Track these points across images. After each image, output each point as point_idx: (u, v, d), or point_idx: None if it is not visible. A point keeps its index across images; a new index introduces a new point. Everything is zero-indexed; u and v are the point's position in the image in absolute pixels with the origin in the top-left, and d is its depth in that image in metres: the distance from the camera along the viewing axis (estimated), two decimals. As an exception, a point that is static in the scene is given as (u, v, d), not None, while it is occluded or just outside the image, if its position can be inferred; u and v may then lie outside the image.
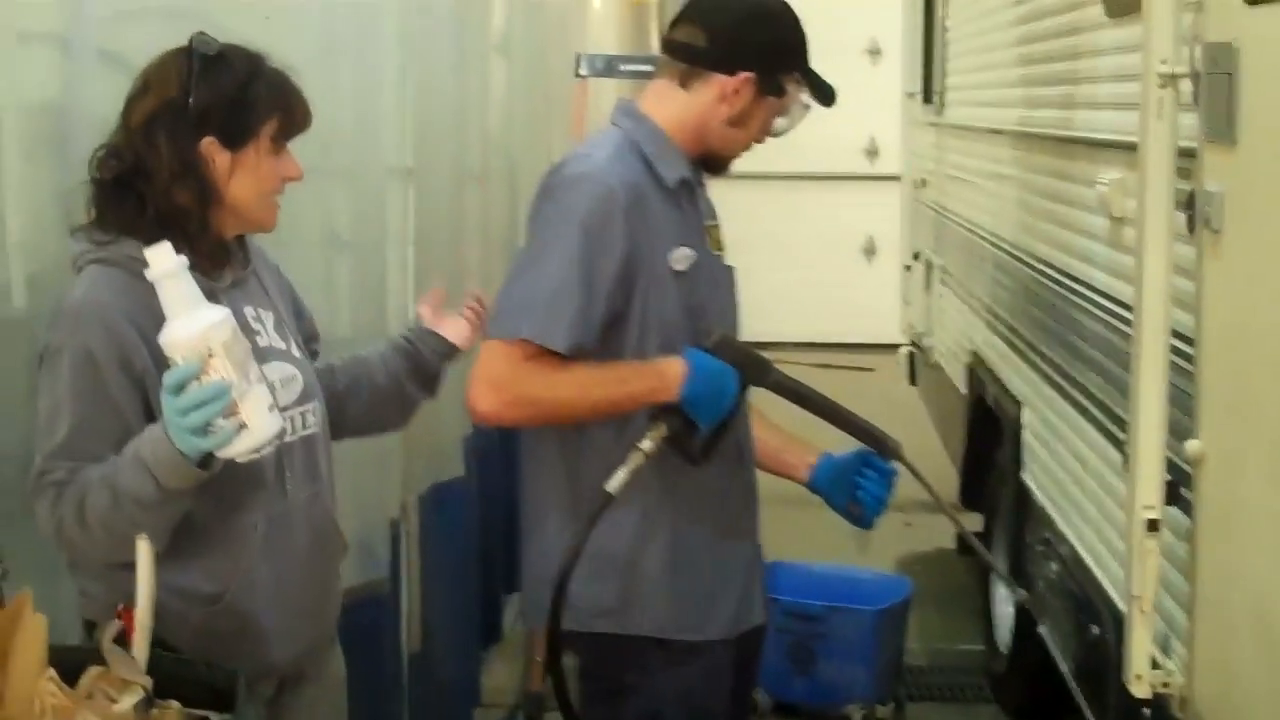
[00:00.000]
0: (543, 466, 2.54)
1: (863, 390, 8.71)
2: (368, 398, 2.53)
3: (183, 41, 2.15)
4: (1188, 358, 2.58)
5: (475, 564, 4.21)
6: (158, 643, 2.07)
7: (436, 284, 3.78)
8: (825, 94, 2.57)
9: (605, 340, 2.41)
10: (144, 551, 1.96)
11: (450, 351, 2.59)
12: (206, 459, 1.98)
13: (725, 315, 2.58)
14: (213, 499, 2.11)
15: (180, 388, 1.92)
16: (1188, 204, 2.54)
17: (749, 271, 10.57)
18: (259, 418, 1.96)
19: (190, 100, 2.10)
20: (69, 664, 1.92)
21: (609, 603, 2.47)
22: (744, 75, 2.48)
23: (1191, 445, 2.51)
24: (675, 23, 2.57)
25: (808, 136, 11.02)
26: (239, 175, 2.15)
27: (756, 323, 11.33)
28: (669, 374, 2.38)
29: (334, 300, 3.17)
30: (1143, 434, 2.61)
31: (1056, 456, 3.75)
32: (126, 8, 2.57)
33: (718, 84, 2.49)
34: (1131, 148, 2.71)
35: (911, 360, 6.64)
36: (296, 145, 2.88)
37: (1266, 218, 2.28)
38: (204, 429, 1.93)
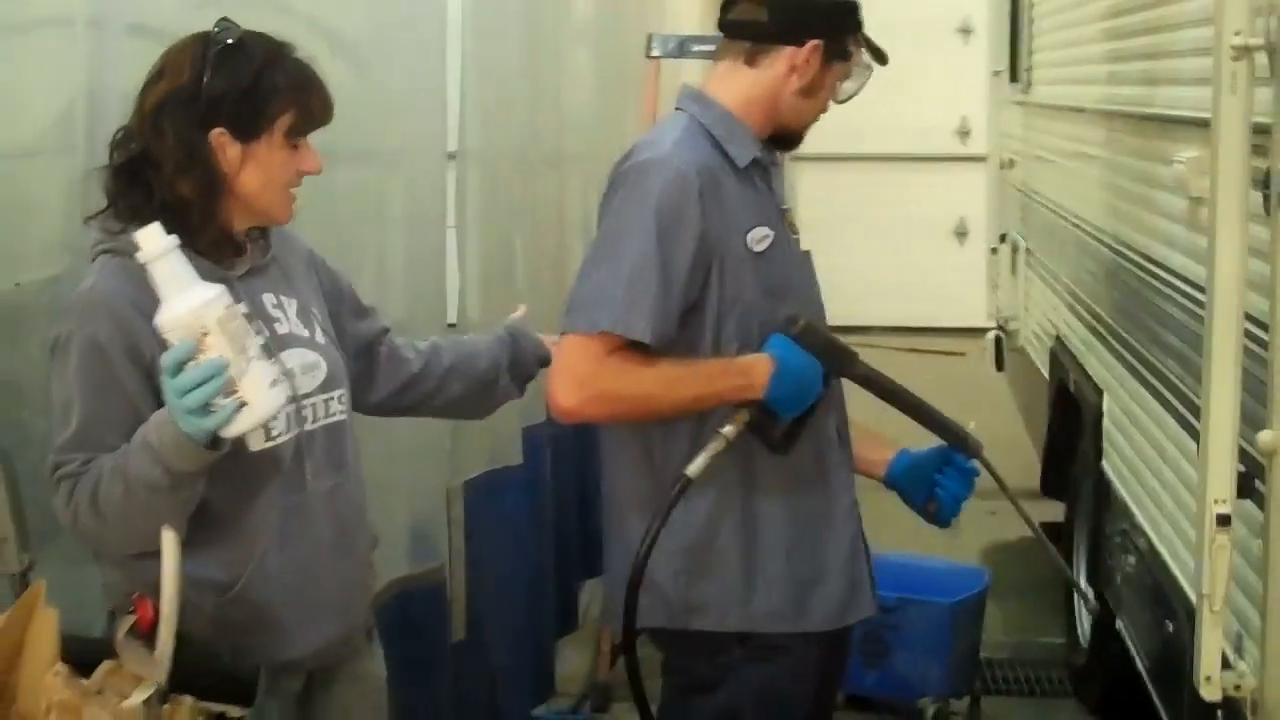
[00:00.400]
0: (623, 461, 2.51)
1: (951, 375, 8.65)
2: (467, 381, 2.55)
3: (250, 24, 2.12)
4: (1264, 344, 2.47)
5: (544, 552, 4.16)
6: (179, 634, 2.04)
7: (496, 268, 3.78)
8: (881, 54, 2.55)
9: (683, 325, 2.38)
10: (169, 542, 1.93)
11: (546, 357, 2.60)
12: (215, 440, 1.94)
13: (807, 297, 2.53)
14: (226, 486, 2.08)
15: (178, 368, 1.89)
16: (1264, 183, 2.42)
17: (838, 254, 10.53)
18: (259, 394, 1.92)
19: (202, 89, 2.06)
20: (91, 656, 1.90)
21: (693, 597, 2.43)
22: (812, 43, 2.45)
23: (1265, 436, 2.39)
24: (729, 3, 2.53)
25: (899, 117, 10.99)
26: (250, 167, 2.10)
27: (845, 306, 11.23)
28: (755, 372, 2.35)
29: (385, 282, 3.12)
30: (1214, 424, 2.50)
31: (1135, 446, 3.63)
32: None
33: (786, 56, 2.46)
34: (1208, 124, 2.59)
35: (998, 345, 6.50)
36: (345, 126, 2.90)
37: (1343, 197, 2.16)
38: (204, 409, 1.89)
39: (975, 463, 2.56)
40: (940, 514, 2.57)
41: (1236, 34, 2.41)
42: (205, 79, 2.06)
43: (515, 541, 3.82)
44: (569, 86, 4.52)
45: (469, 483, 3.53)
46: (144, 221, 2.03)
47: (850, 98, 2.55)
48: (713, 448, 2.32)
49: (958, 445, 2.53)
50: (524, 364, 2.62)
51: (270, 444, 2.10)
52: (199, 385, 1.88)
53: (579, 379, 2.33)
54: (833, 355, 2.39)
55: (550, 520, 4.19)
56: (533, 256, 4.12)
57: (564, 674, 4.50)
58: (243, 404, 1.90)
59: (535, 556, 4.04)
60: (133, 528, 1.99)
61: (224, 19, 2.13)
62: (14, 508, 2.11)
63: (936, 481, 2.55)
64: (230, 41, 2.09)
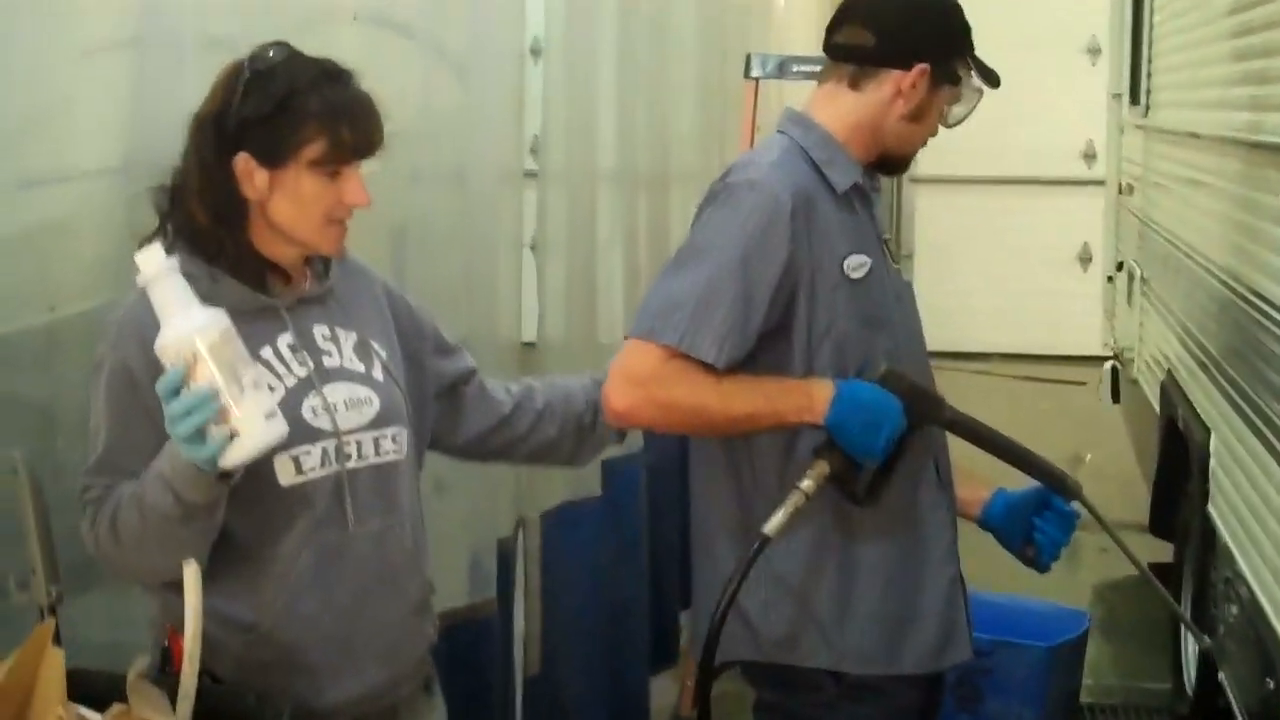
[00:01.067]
0: (710, 489, 2.46)
1: (1071, 405, 8.46)
2: (561, 423, 2.47)
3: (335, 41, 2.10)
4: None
5: (633, 584, 4.08)
6: (205, 672, 1.99)
7: (578, 289, 3.73)
8: (992, 76, 2.47)
9: (770, 351, 2.33)
10: (191, 576, 1.87)
11: None
12: (226, 471, 1.89)
13: (907, 329, 2.47)
14: (254, 520, 2.03)
15: (173, 394, 1.84)
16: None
17: (958, 278, 10.33)
18: (252, 425, 1.85)
19: (230, 114, 2.01)
20: (116, 694, 1.87)
21: (782, 631, 2.38)
22: (920, 67, 2.40)
23: (1364, 490, 2.24)
24: (834, 25, 2.48)
25: (1023, 139, 10.75)
26: (278, 195, 2.03)
27: (963, 331, 11.11)
28: (817, 394, 2.28)
29: (457, 298, 3.07)
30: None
31: (1240, 490, 3.46)
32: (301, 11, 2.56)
33: (892, 80, 2.40)
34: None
35: (1114, 376, 6.30)
36: (421, 145, 2.85)
37: None
38: (197, 437, 1.83)
39: (1076, 504, 2.46)
40: (1039, 559, 2.50)
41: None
42: (236, 102, 2.01)
43: (594, 573, 3.75)
44: (670, 107, 4.46)
45: (545, 514, 3.47)
46: (183, 244, 2.01)
47: (960, 122, 2.49)
48: (792, 503, 2.25)
49: (1056, 488, 2.46)
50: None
51: (302, 478, 2.05)
52: (189, 413, 1.82)
53: (634, 380, 2.28)
54: (917, 401, 2.31)
55: (644, 551, 4.12)
56: (627, 277, 4.06)
57: (660, 706, 4.41)
58: (234, 434, 1.84)
59: (619, 588, 3.97)
60: (149, 557, 1.95)
61: (278, 42, 2.07)
62: (43, 540, 2.08)
63: (1035, 525, 2.48)
64: (265, 66, 2.03)
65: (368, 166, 2.09)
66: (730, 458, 2.41)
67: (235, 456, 1.86)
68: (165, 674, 1.99)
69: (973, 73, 2.45)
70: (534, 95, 3.44)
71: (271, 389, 2.03)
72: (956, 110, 2.46)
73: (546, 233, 3.55)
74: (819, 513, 2.32)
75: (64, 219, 2.27)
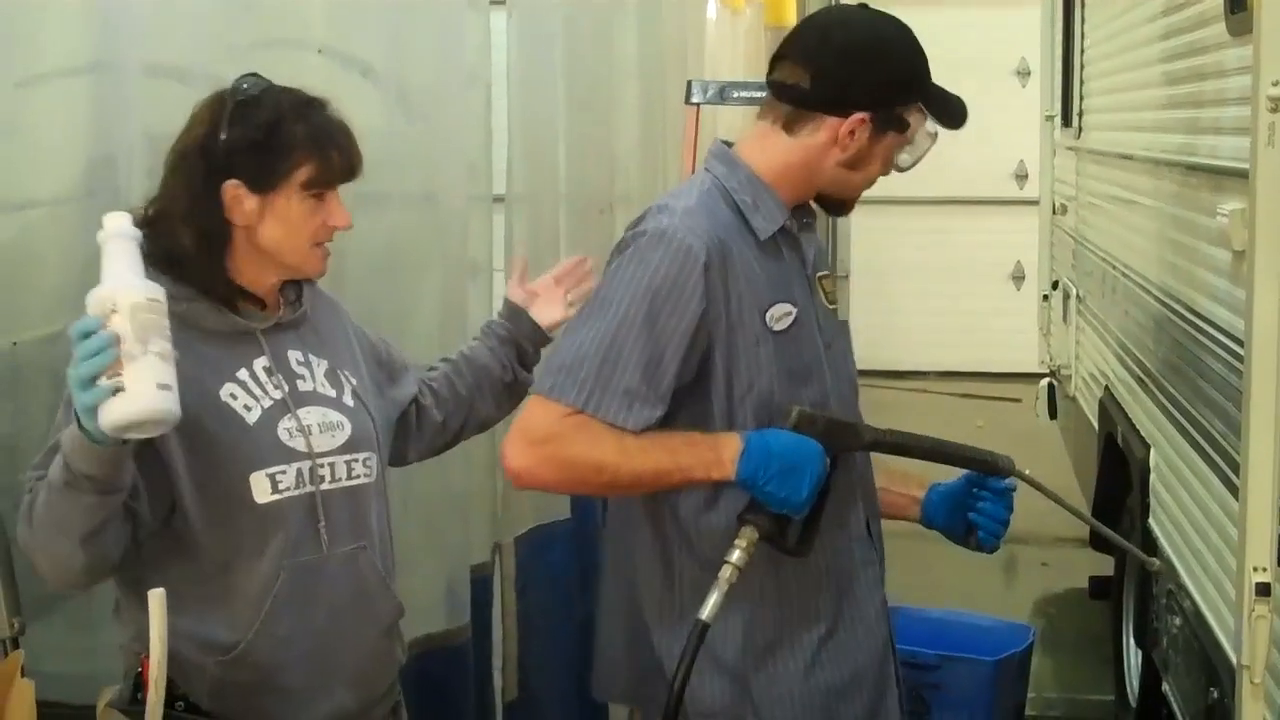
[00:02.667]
0: (636, 546, 2.34)
1: (1006, 422, 8.57)
2: (490, 393, 2.56)
3: (310, 75, 2.16)
4: (1306, 405, 2.38)
5: (596, 606, 4.08)
6: (180, 697, 2.00)
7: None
8: (953, 116, 2.29)
9: (688, 410, 2.20)
10: (156, 603, 1.87)
11: (543, 338, 2.61)
12: (120, 441, 1.88)
13: (838, 376, 2.35)
14: (230, 540, 2.05)
15: (83, 338, 1.84)
16: (1305, 238, 2.34)
17: (893, 298, 10.42)
18: (141, 386, 1.82)
19: (217, 142, 2.06)
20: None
21: (715, 704, 2.27)
22: (858, 116, 2.23)
23: (1305, 502, 2.31)
24: (775, 59, 2.31)
25: (955, 161, 10.88)
26: (269, 220, 2.09)
27: (899, 351, 11.22)
28: (725, 449, 2.16)
29: (430, 325, 3.10)
30: (1253, 486, 2.41)
31: (1180, 503, 3.53)
32: (257, 40, 2.58)
33: (828, 127, 2.24)
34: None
35: (1051, 392, 6.39)
36: (391, 170, 2.88)
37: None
38: (90, 382, 1.82)
39: (1012, 480, 2.38)
40: (984, 541, 2.40)
41: (1275, 84, 2.34)
42: (223, 131, 2.06)
43: (565, 596, 3.77)
44: (615, 131, 4.49)
45: (518, 539, 3.49)
46: (164, 272, 2.04)
47: (910, 168, 2.32)
48: (725, 580, 2.14)
49: (989, 470, 2.36)
50: (526, 353, 2.62)
51: (277, 497, 2.07)
52: (88, 356, 1.82)
53: (532, 439, 2.14)
54: (835, 435, 2.21)
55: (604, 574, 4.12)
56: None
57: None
58: (119, 390, 1.82)
59: (587, 610, 3.98)
60: (44, 538, 1.95)
61: (251, 74, 2.13)
62: (4, 571, 2.07)
63: (972, 508, 2.39)
64: (248, 96, 2.08)
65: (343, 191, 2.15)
66: (651, 509, 2.30)
67: (115, 413, 1.82)
68: (137, 701, 2.01)
69: (926, 118, 2.28)
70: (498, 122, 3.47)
71: (248, 409, 2.07)
72: (904, 157, 2.30)
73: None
74: (750, 585, 2.20)
75: (22, 247, 2.28)
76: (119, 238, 1.89)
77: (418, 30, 3.00)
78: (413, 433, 2.46)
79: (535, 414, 2.16)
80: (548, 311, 2.64)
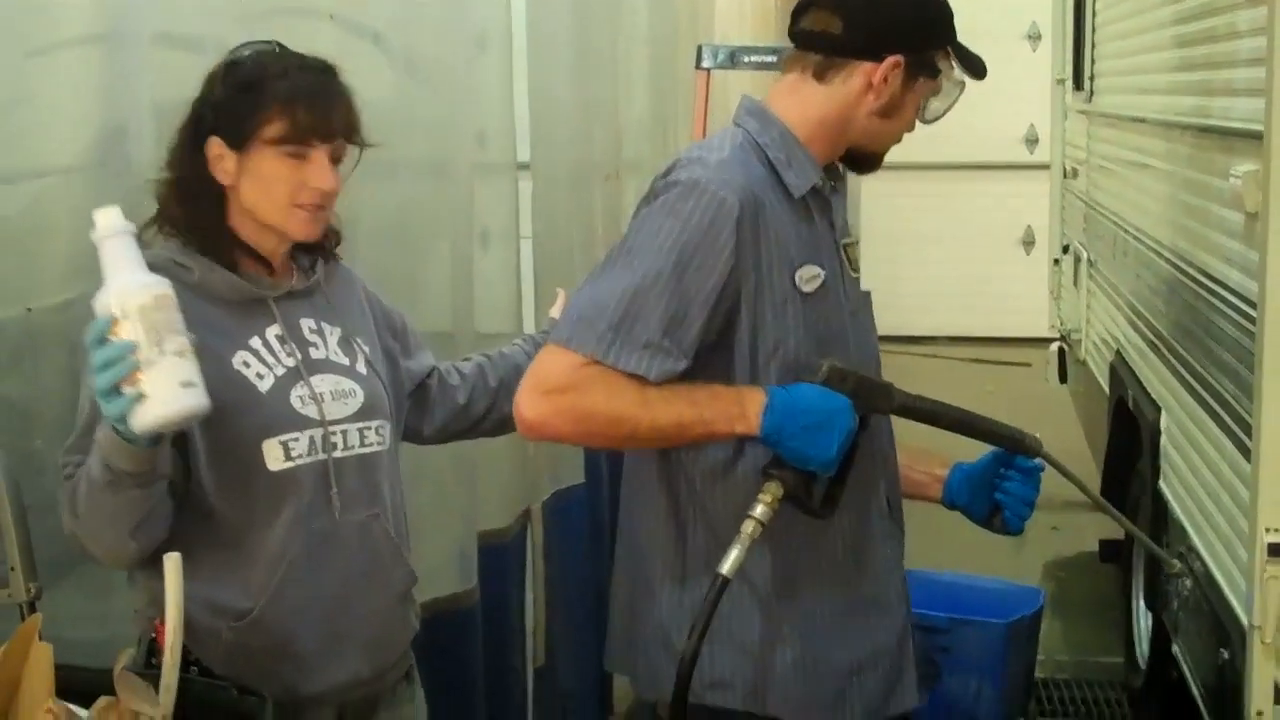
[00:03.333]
0: (642, 506, 2.28)
1: (1016, 386, 8.58)
2: (506, 386, 2.50)
3: (321, 43, 2.14)
4: (1318, 366, 2.38)
5: (606, 571, 4.10)
6: (194, 662, 2.01)
7: (556, 284, 3.75)
8: (977, 67, 2.25)
9: (709, 369, 2.13)
10: (172, 567, 1.89)
11: None
12: (156, 437, 1.89)
13: (862, 346, 2.28)
14: (244, 507, 2.06)
15: (98, 345, 1.84)
16: (1318, 199, 2.34)
17: (903, 264, 10.43)
18: (163, 390, 1.83)
19: (207, 102, 2.08)
20: (100, 688, 1.88)
21: (717, 674, 2.21)
22: (892, 59, 2.18)
23: (1317, 463, 2.31)
24: (800, 10, 2.25)
25: (965, 125, 10.84)
26: (246, 178, 2.09)
27: (909, 316, 11.21)
28: (750, 402, 2.08)
29: (463, 295, 3.11)
30: (1266, 447, 2.42)
31: (1192, 466, 3.53)
32: (268, 8, 2.58)
33: (862, 72, 2.19)
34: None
35: (1061, 356, 6.39)
36: (414, 139, 2.88)
37: (1396, 216, 2.08)
38: (114, 392, 1.83)
39: (1039, 460, 2.32)
40: (1010, 523, 2.33)
41: (1289, 45, 2.33)
42: (210, 93, 2.08)
43: (580, 562, 3.79)
44: (624, 97, 4.49)
45: (544, 504, 3.50)
46: (172, 236, 2.07)
47: (939, 117, 2.28)
48: (747, 535, 2.07)
49: (1017, 448, 2.30)
50: None
51: (290, 464, 2.08)
52: (105, 366, 1.82)
53: (548, 388, 2.06)
54: (865, 395, 2.13)
55: (611, 538, 4.14)
56: (589, 268, 4.08)
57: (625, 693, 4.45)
58: (141, 395, 1.82)
59: (600, 577, 4.00)
60: (93, 528, 1.97)
61: (266, 40, 2.14)
62: (22, 537, 2.09)
63: (998, 488, 2.32)
64: (239, 57, 2.10)
65: (347, 163, 2.15)
66: (665, 471, 2.24)
67: (144, 419, 1.83)
68: (151, 666, 2.02)
69: (954, 64, 2.24)
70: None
71: (261, 377, 2.08)
72: (934, 105, 2.26)
73: (537, 224, 3.59)
74: (763, 551, 2.16)
75: (36, 215, 2.28)
76: (114, 235, 1.88)
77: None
78: (432, 407, 2.43)
79: (551, 363, 2.09)
80: None
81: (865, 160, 2.31)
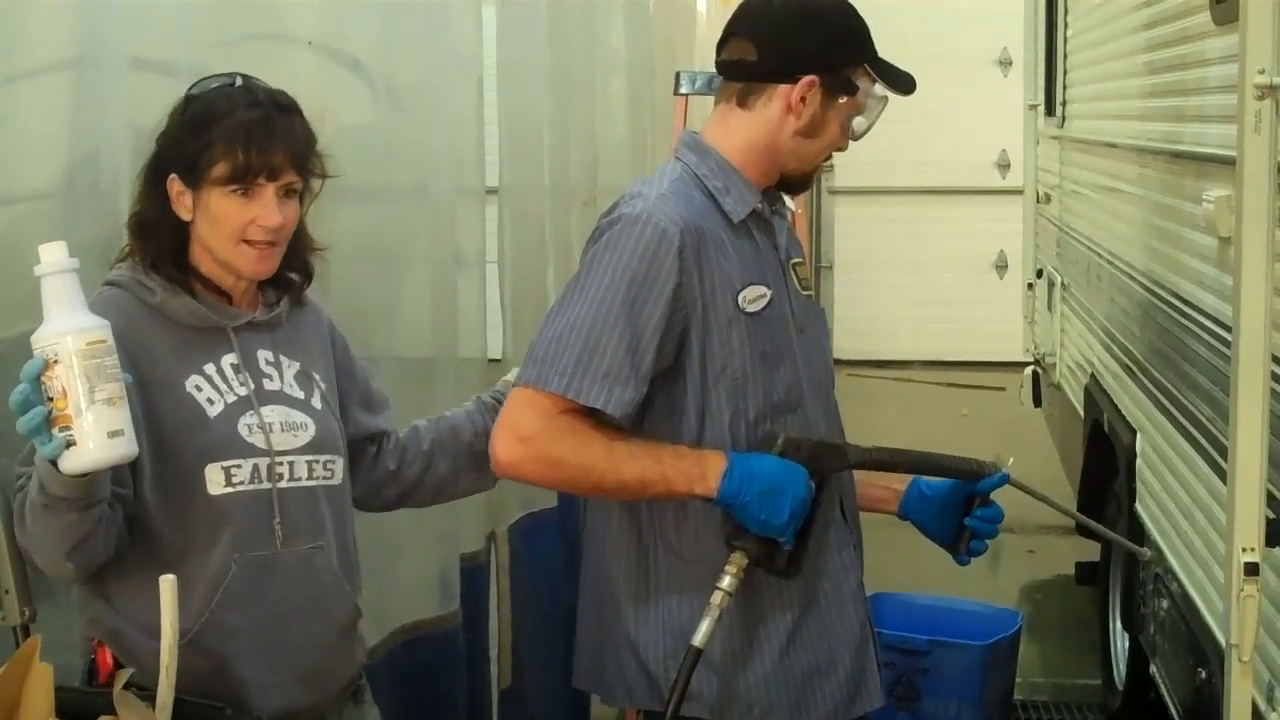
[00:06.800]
0: (611, 534, 2.37)
1: (990, 411, 8.61)
2: (454, 457, 2.47)
3: (297, 69, 2.20)
4: (1292, 388, 2.41)
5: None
6: (134, 684, 2.02)
7: (528, 308, 3.77)
8: (901, 82, 2.34)
9: (664, 392, 2.25)
10: (167, 590, 1.91)
11: None
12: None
13: (811, 360, 2.38)
14: (183, 530, 2.08)
15: (31, 382, 1.87)
16: (1291, 223, 2.37)
17: (877, 288, 10.46)
18: (92, 438, 1.87)
19: (166, 138, 2.14)
20: (91, 709, 1.89)
21: (690, 687, 2.26)
22: (807, 79, 2.28)
23: (1292, 483, 2.34)
24: (722, 41, 2.37)
25: (938, 151, 10.94)
26: (199, 214, 2.13)
27: (883, 341, 11.23)
28: (710, 464, 2.20)
29: (422, 318, 3.11)
30: (1241, 469, 2.44)
31: (1167, 487, 3.57)
32: (243, 35, 2.59)
33: (780, 95, 2.29)
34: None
35: (1035, 380, 6.43)
36: (383, 164, 2.89)
37: (1368, 239, 2.11)
38: (42, 433, 1.87)
39: (1001, 475, 2.44)
40: (976, 548, 2.46)
41: (1260, 72, 2.37)
42: (169, 127, 2.13)
43: (552, 584, 3.80)
44: (600, 122, 4.52)
45: (511, 527, 3.51)
46: (148, 263, 2.11)
47: (864, 133, 2.36)
48: (716, 607, 2.20)
49: (978, 477, 2.42)
50: None
51: (230, 490, 2.10)
52: (25, 409, 1.86)
53: (521, 435, 2.19)
54: (821, 459, 2.26)
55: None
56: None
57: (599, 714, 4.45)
58: (70, 443, 1.87)
59: (573, 598, 4.00)
60: (34, 544, 2.01)
61: (232, 73, 2.17)
62: (14, 560, 2.09)
63: (968, 527, 2.44)
64: (197, 92, 2.14)
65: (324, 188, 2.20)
66: (631, 516, 2.34)
67: (73, 464, 1.88)
68: (91, 688, 2.05)
69: (874, 81, 2.33)
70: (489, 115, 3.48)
71: (211, 402, 2.11)
72: (859, 121, 2.34)
73: (503, 249, 3.60)
74: (735, 594, 2.24)
75: (7, 242, 2.29)
76: (57, 272, 1.91)
77: (406, 23, 3.02)
78: (362, 468, 2.41)
79: (522, 409, 2.20)
80: None
81: (798, 181, 2.41)
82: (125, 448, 1.91)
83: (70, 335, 1.87)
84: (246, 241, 2.13)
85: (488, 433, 2.37)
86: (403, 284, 3.08)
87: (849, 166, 8.64)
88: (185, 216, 2.13)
